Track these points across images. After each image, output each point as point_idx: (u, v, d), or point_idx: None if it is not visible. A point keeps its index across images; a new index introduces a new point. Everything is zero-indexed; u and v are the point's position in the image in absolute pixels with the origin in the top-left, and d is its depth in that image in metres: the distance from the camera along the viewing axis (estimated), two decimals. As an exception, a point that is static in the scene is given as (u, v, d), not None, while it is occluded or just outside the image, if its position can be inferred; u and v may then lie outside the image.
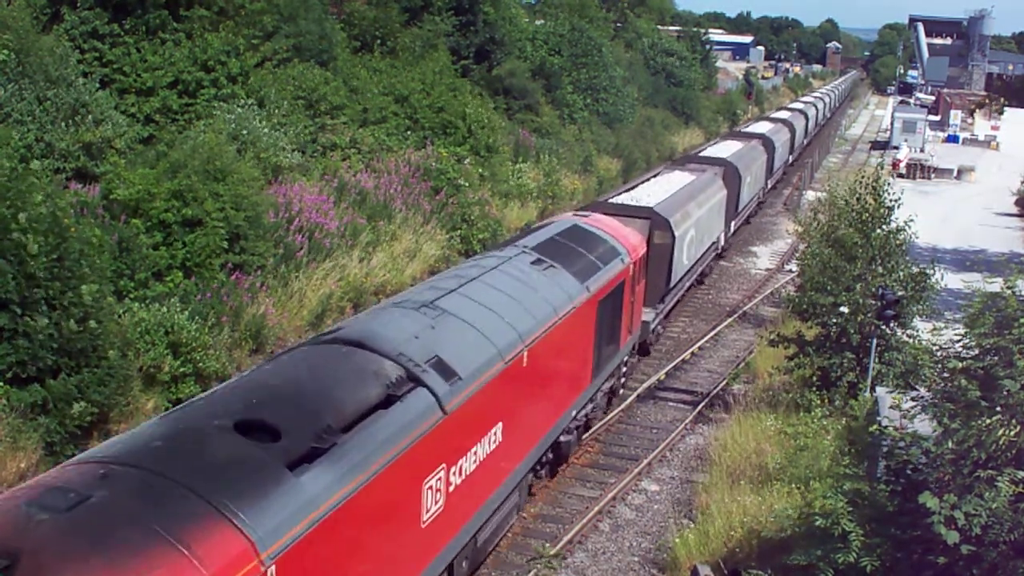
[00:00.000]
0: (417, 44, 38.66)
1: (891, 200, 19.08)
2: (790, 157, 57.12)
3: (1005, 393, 8.89)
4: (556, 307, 15.14)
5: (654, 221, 23.84)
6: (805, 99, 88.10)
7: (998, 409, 8.94)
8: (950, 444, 9.09)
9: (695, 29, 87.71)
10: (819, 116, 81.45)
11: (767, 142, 45.28)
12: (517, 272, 15.32)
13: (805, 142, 68.51)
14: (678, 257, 24.61)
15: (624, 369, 21.00)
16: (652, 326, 23.60)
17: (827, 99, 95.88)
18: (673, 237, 23.77)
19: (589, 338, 17.19)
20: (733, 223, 35.93)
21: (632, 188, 29.10)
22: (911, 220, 19.21)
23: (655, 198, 26.13)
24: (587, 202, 35.66)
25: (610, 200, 26.85)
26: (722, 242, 34.03)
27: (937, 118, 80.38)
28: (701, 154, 39.15)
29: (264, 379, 10.07)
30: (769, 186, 47.27)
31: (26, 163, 17.70)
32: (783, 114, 63.84)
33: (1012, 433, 8.68)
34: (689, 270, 27.44)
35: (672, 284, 24.76)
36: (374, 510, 9.58)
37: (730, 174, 34.56)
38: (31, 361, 14.81)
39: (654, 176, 32.35)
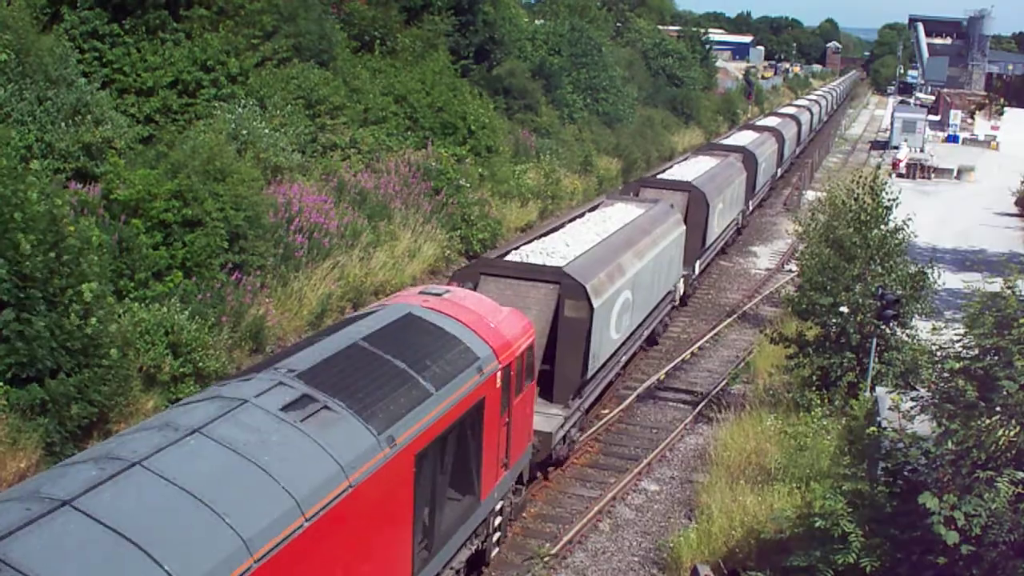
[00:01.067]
0: (417, 44, 38.68)
1: (889, 200, 19.08)
2: (778, 170, 51.59)
3: (1004, 394, 8.90)
4: (303, 497, 8.58)
5: (564, 287, 17.45)
6: (799, 102, 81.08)
7: (997, 409, 8.94)
8: (950, 445, 9.10)
9: (695, 29, 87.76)
10: (814, 121, 74.74)
11: (748, 157, 38.93)
12: (239, 436, 8.78)
13: (798, 151, 62.48)
14: (600, 334, 18.17)
15: (499, 520, 14.43)
16: (559, 435, 16.94)
17: (823, 102, 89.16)
18: (591, 309, 17.38)
19: (402, 515, 10.59)
20: (698, 262, 28.84)
21: (554, 231, 22.22)
22: (909, 219, 19.22)
23: (573, 249, 19.81)
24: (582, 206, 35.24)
25: (509, 255, 19.74)
26: (681, 290, 27.08)
27: (937, 118, 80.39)
28: (661, 176, 32.41)
29: None
30: (751, 208, 41.01)
31: (26, 163, 17.72)
32: (771, 120, 57.45)
33: (1012, 433, 8.69)
34: (624, 343, 21.11)
35: (591, 373, 18.28)
36: None
37: (695, 202, 28.48)
38: (30, 361, 14.81)
39: (589, 211, 24.79)
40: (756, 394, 20.12)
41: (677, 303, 27.45)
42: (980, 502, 8.57)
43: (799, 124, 61.57)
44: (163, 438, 8.51)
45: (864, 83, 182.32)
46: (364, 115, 32.14)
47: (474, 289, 17.25)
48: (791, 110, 68.47)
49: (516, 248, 20.55)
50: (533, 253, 19.91)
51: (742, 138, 46.19)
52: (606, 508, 16.68)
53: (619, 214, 24.09)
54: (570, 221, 23.49)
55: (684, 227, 26.22)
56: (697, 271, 29.56)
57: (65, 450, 15.34)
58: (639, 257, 21.38)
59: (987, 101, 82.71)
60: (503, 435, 13.80)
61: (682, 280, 27.13)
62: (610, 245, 20.63)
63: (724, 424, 18.95)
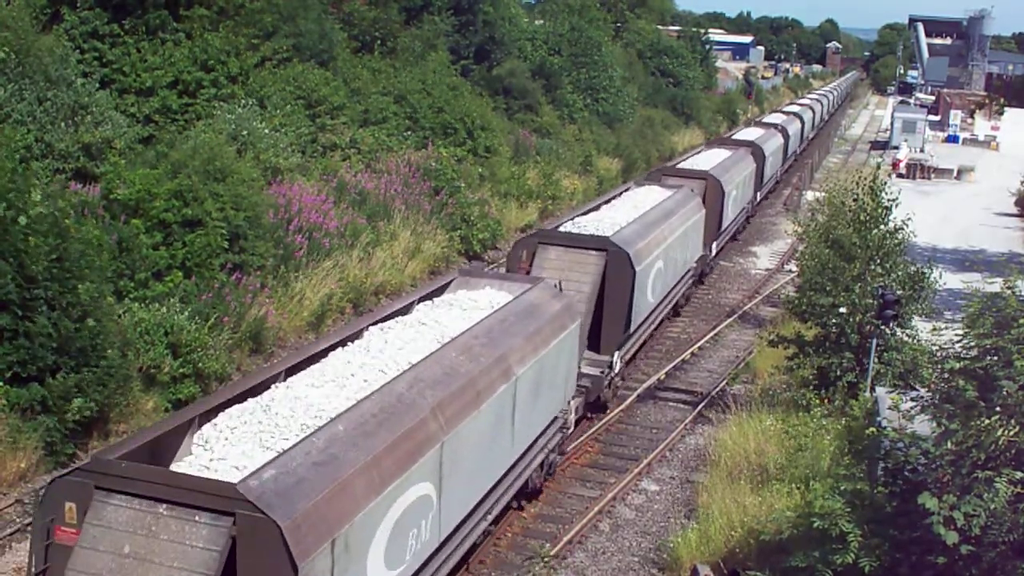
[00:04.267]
0: (417, 44, 38.69)
1: (888, 200, 19.06)
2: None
3: (1004, 394, 8.90)
4: None
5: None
6: (769, 119, 58.15)
7: (997, 409, 8.94)
8: (949, 445, 9.10)
9: (695, 29, 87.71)
10: (789, 147, 53.27)
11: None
12: None
13: (760, 197, 43.40)
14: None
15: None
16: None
17: (809, 115, 67.51)
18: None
19: None
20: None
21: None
22: (908, 219, 19.19)
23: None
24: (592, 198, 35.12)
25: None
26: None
27: (937, 118, 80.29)
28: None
29: None
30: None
31: (26, 163, 17.71)
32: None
33: (1011, 433, 8.69)
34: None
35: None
36: None
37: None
38: (31, 361, 14.82)
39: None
40: (756, 394, 20.11)
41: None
42: (979, 502, 8.57)
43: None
44: None
45: (864, 83, 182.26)
46: (364, 115, 32.15)
47: None
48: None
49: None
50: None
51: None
52: (606, 508, 16.67)
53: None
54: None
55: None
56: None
57: (65, 449, 15.36)
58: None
59: (987, 101, 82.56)
60: None
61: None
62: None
63: (724, 424, 18.94)
